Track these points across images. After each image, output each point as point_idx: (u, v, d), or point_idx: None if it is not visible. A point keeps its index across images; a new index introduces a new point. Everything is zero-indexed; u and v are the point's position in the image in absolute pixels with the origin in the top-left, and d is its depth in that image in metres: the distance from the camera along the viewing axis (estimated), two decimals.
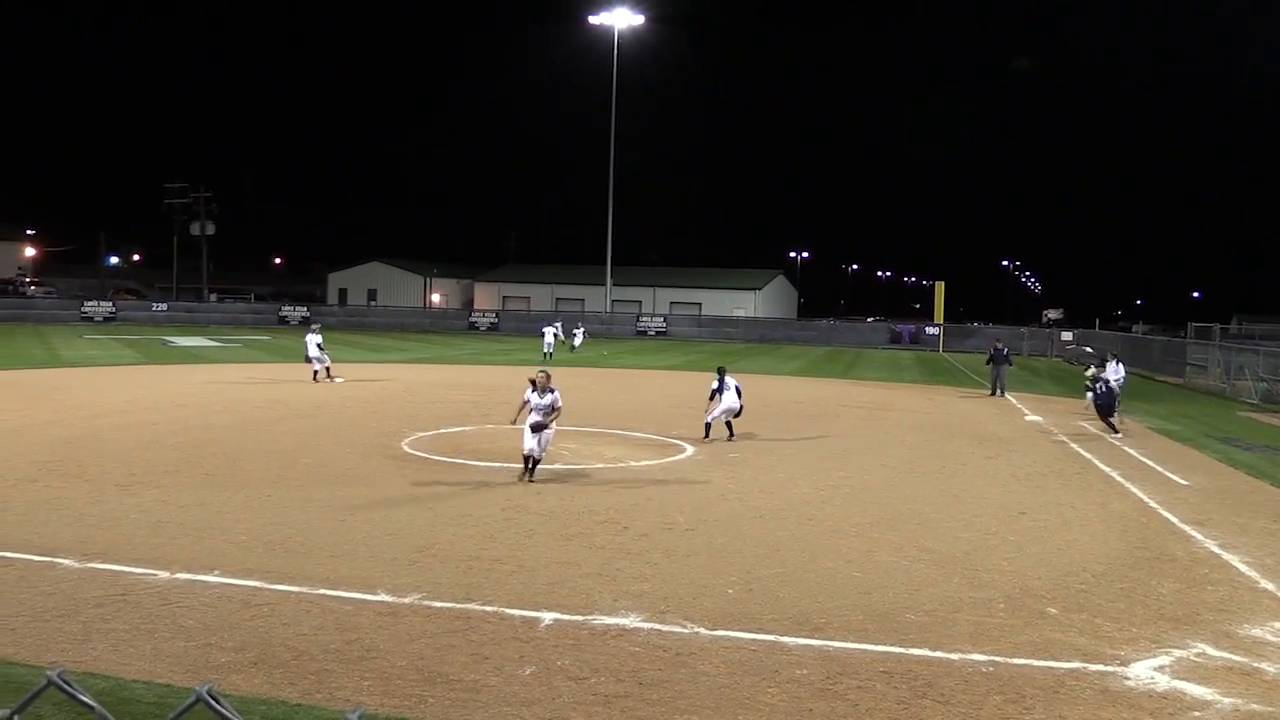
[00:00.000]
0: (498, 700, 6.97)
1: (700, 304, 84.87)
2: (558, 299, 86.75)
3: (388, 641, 8.06)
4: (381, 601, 9.07)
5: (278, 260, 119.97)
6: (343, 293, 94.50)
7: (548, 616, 8.77)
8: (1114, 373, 26.99)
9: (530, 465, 15.10)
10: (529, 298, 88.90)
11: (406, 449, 17.76)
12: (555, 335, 43.30)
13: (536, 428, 15.05)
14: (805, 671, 7.78)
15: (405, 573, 9.97)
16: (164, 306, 72.88)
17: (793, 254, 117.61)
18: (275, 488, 14.05)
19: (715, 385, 20.09)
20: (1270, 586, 10.70)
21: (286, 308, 74.73)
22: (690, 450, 18.62)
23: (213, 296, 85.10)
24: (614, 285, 73.73)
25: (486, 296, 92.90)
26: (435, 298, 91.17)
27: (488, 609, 8.96)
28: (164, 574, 9.65)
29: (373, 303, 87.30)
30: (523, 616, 8.79)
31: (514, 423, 15.67)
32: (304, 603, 8.96)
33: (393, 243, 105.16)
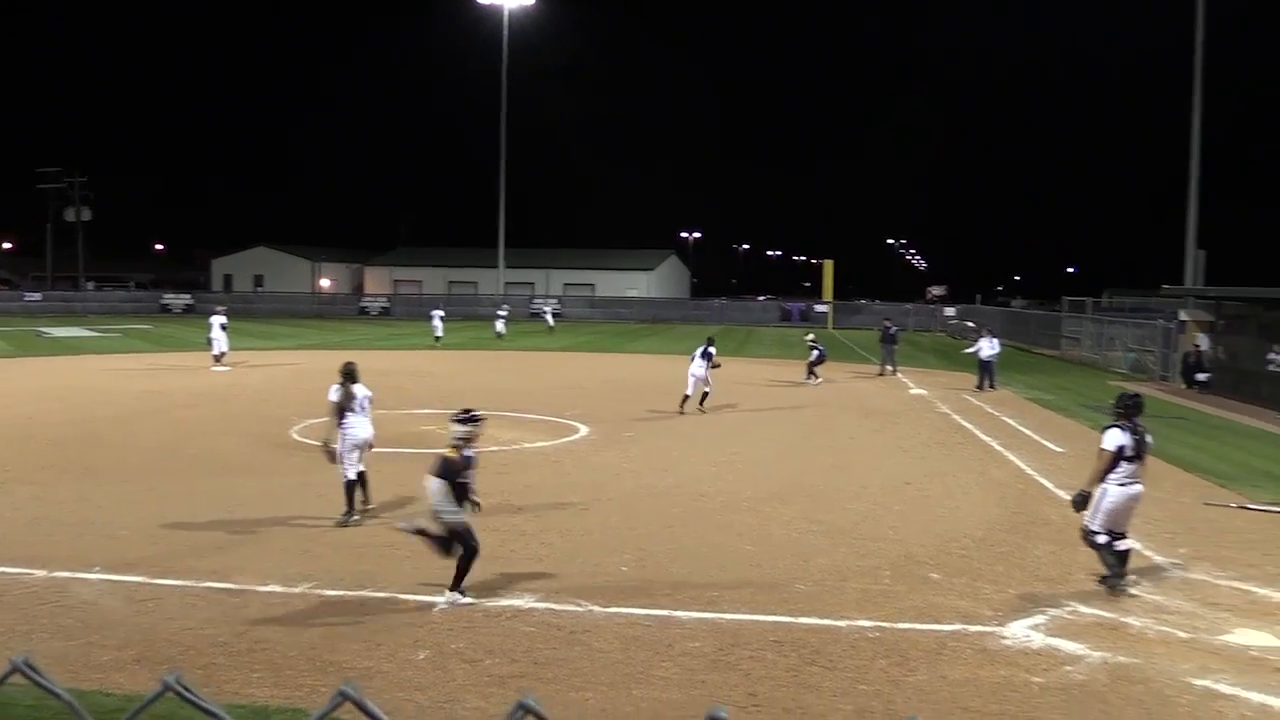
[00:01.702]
0: (391, 686, 6.94)
1: (594, 285, 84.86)
2: (450, 282, 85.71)
3: (278, 632, 7.95)
4: (272, 592, 8.93)
5: (159, 247, 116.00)
6: (228, 279, 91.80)
7: (442, 600, 8.75)
8: (989, 347, 27.93)
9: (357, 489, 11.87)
10: (421, 281, 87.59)
11: (296, 437, 17.42)
12: (442, 319, 42.63)
13: (365, 443, 11.91)
14: (698, 644, 7.93)
15: (296, 562, 9.83)
16: (38, 296, 69.85)
17: (685, 234, 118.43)
18: (159, 480, 13.67)
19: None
20: (1137, 545, 11.23)
21: (169, 295, 72.36)
22: (584, 431, 18.68)
23: (90, 285, 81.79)
24: (507, 267, 73.24)
25: (377, 281, 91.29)
26: (324, 283, 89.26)
27: (381, 595, 8.90)
28: (41, 573, 9.32)
29: (259, 289, 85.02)
30: (416, 602, 8.75)
31: (328, 449, 11.92)
32: (190, 597, 8.77)
33: (279, 227, 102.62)
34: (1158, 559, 10.74)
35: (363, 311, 71.94)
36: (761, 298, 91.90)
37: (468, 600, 8.69)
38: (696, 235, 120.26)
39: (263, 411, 20.46)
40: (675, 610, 8.66)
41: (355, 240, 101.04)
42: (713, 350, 21.76)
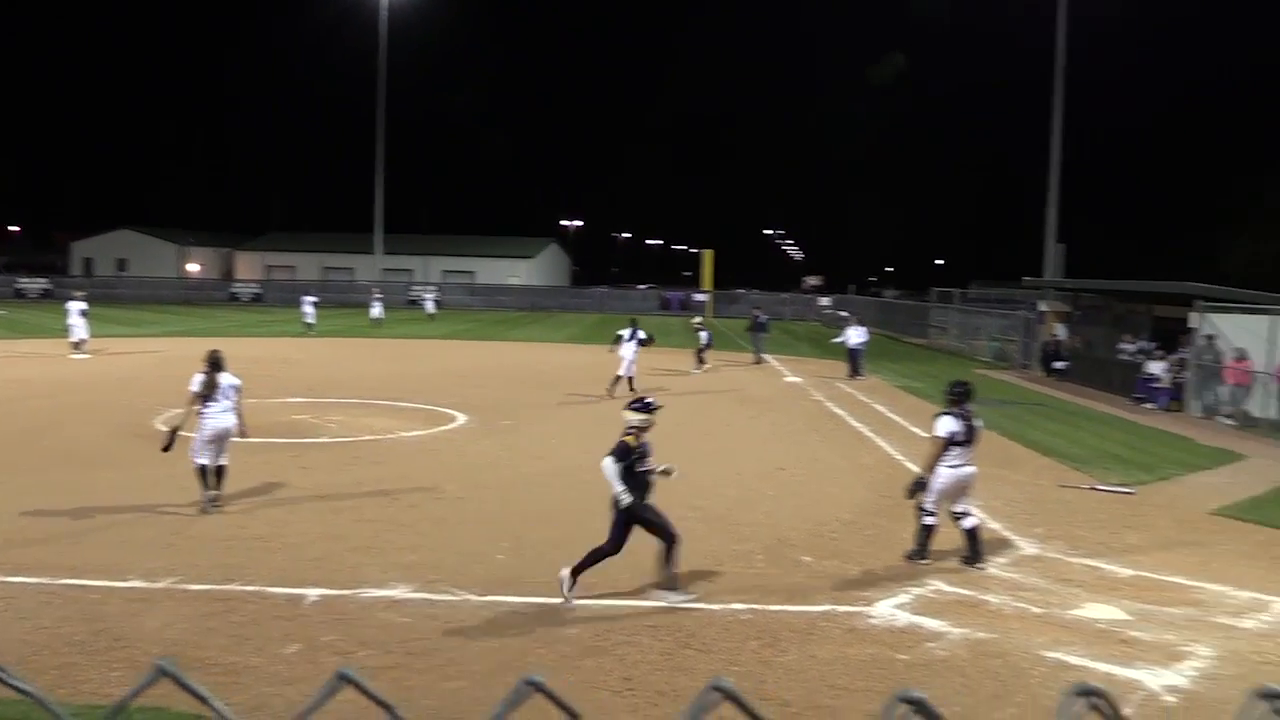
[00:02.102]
0: (259, 681, 6.80)
1: (474, 272, 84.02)
2: (325, 268, 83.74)
3: (139, 629, 7.68)
4: (132, 588, 8.62)
5: (13, 229, 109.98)
6: (88, 263, 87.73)
7: (313, 593, 8.59)
8: (857, 335, 28.60)
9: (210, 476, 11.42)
10: (294, 267, 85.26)
11: (160, 427, 16.78)
12: (315, 306, 41.54)
13: (223, 432, 11.43)
14: (575, 631, 7.98)
15: (159, 556, 9.50)
16: None
17: (566, 222, 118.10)
18: (12, 473, 13.05)
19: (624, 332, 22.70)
20: (996, 527, 11.72)
21: (24, 280, 68.88)
22: (462, 419, 18.52)
23: None
24: (385, 254, 71.94)
25: (249, 266, 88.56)
26: (192, 267, 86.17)
27: (249, 589, 8.68)
28: None
29: (122, 273, 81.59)
30: (286, 594, 8.57)
31: (172, 440, 11.49)
32: (44, 594, 8.40)
33: (144, 210, 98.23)
34: (1016, 539, 11.21)
35: (233, 298, 69.79)
36: (642, 286, 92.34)
37: (687, 598, 8.73)
38: (577, 224, 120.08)
39: (125, 401, 19.69)
40: (552, 598, 8.68)
41: (226, 224, 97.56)
42: (641, 334, 22.96)
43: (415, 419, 18.46)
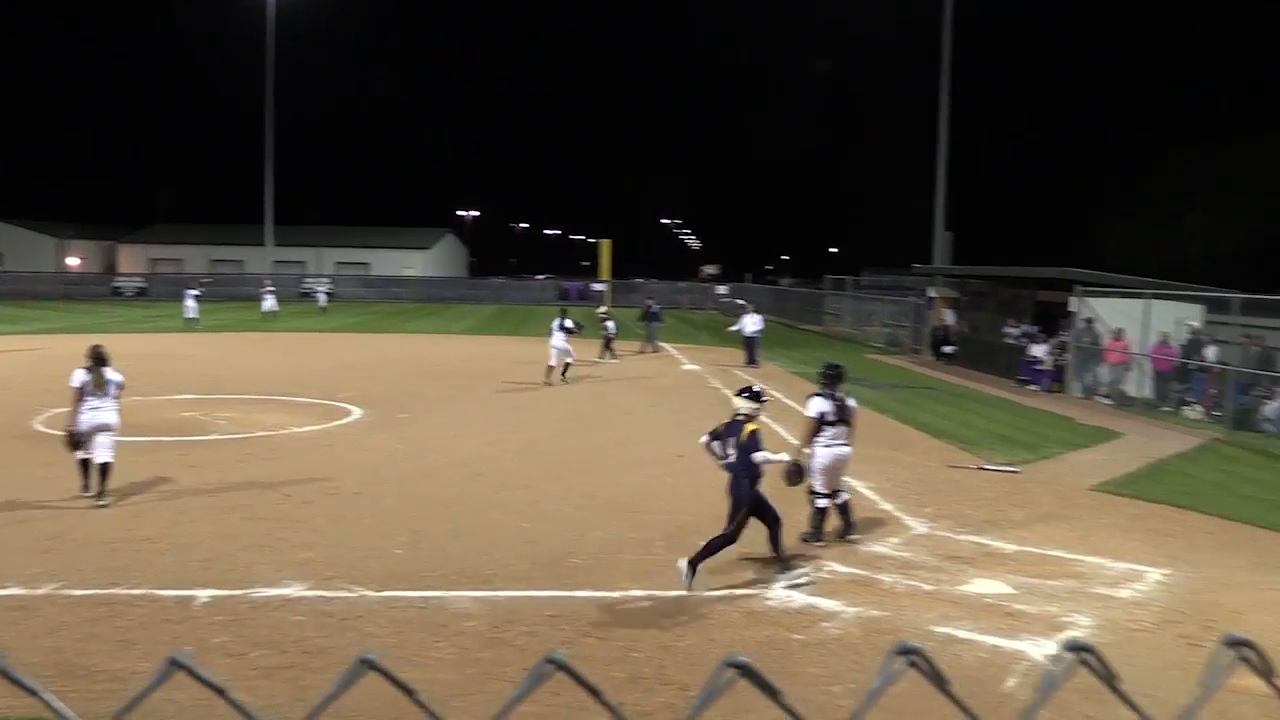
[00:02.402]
0: (144, 682, 6.60)
1: (368, 264, 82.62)
2: (214, 261, 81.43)
3: (18, 637, 7.39)
4: (10, 595, 8.28)
5: None
6: None
7: (203, 594, 8.37)
8: (752, 323, 29.02)
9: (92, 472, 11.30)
10: (181, 260, 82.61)
11: (40, 428, 16.18)
12: (197, 300, 40.20)
13: (104, 427, 11.22)
14: (474, 623, 7.93)
15: (38, 561, 9.15)
16: None
17: (462, 213, 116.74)
18: None
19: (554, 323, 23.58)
20: (888, 507, 12.03)
21: None
22: (358, 413, 18.23)
23: None
24: (276, 245, 70.27)
25: (133, 259, 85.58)
26: (72, 261, 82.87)
27: (136, 592, 8.41)
28: None
29: None
30: (175, 597, 8.34)
31: (74, 440, 11.20)
32: None
33: (19, 201, 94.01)
34: (907, 519, 11.51)
35: (116, 292, 67.37)
36: (540, 277, 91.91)
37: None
38: (474, 214, 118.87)
39: (2, 400, 18.88)
40: (450, 590, 8.63)
41: (108, 216, 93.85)
42: (569, 322, 23.75)
43: (309, 414, 18.10)
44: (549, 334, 24.06)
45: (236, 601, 8.24)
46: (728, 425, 9.49)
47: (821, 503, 10.34)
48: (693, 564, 8.75)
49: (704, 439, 9.59)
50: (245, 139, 76.76)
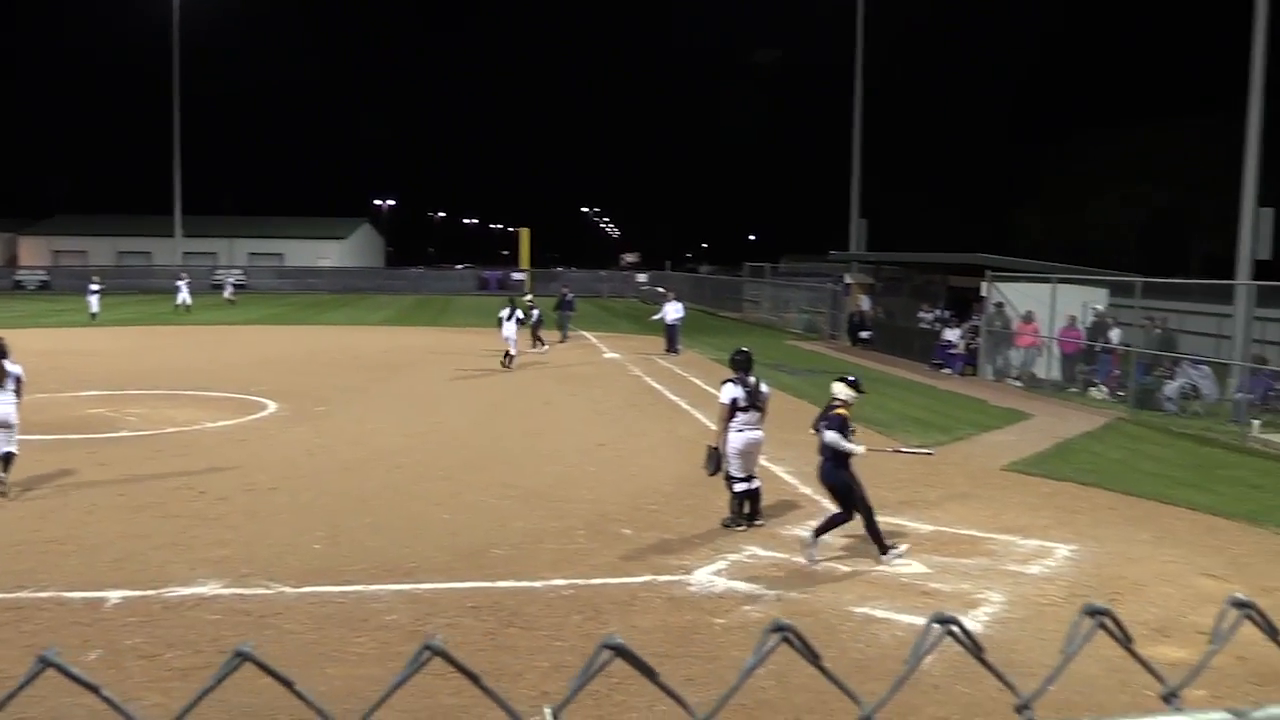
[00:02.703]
0: (57, 692, 6.37)
1: (282, 254, 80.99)
2: (120, 252, 79.05)
3: None
4: None
5: None
6: None
7: (114, 595, 8.18)
8: (673, 311, 29.11)
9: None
10: (86, 252, 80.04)
11: None
12: (99, 294, 38.99)
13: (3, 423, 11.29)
14: (395, 617, 7.87)
15: None
16: None
17: (379, 202, 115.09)
18: None
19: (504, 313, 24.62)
20: (808, 491, 12.18)
21: None
22: (273, 407, 17.90)
23: None
24: (186, 236, 68.49)
25: (34, 252, 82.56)
26: None
27: (43, 595, 8.18)
28: None
29: None
30: (85, 599, 8.12)
31: None
32: None
33: None
34: (825, 502, 11.66)
35: (18, 286, 65.01)
36: (459, 266, 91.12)
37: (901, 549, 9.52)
38: (391, 203, 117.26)
39: None
40: (370, 584, 8.55)
41: (6, 207, 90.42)
42: (519, 313, 24.86)
43: (223, 409, 17.73)
44: (498, 324, 24.78)
45: (149, 602, 8.06)
46: (824, 411, 9.97)
47: (739, 487, 10.47)
48: (817, 533, 9.47)
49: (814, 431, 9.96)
50: (152, 126, 74.52)
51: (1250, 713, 0.91)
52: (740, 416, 10.48)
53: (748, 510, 10.56)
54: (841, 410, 9.76)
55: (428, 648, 0.89)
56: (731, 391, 10.52)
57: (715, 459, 10.53)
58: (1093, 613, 0.99)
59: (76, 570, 8.78)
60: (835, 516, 9.54)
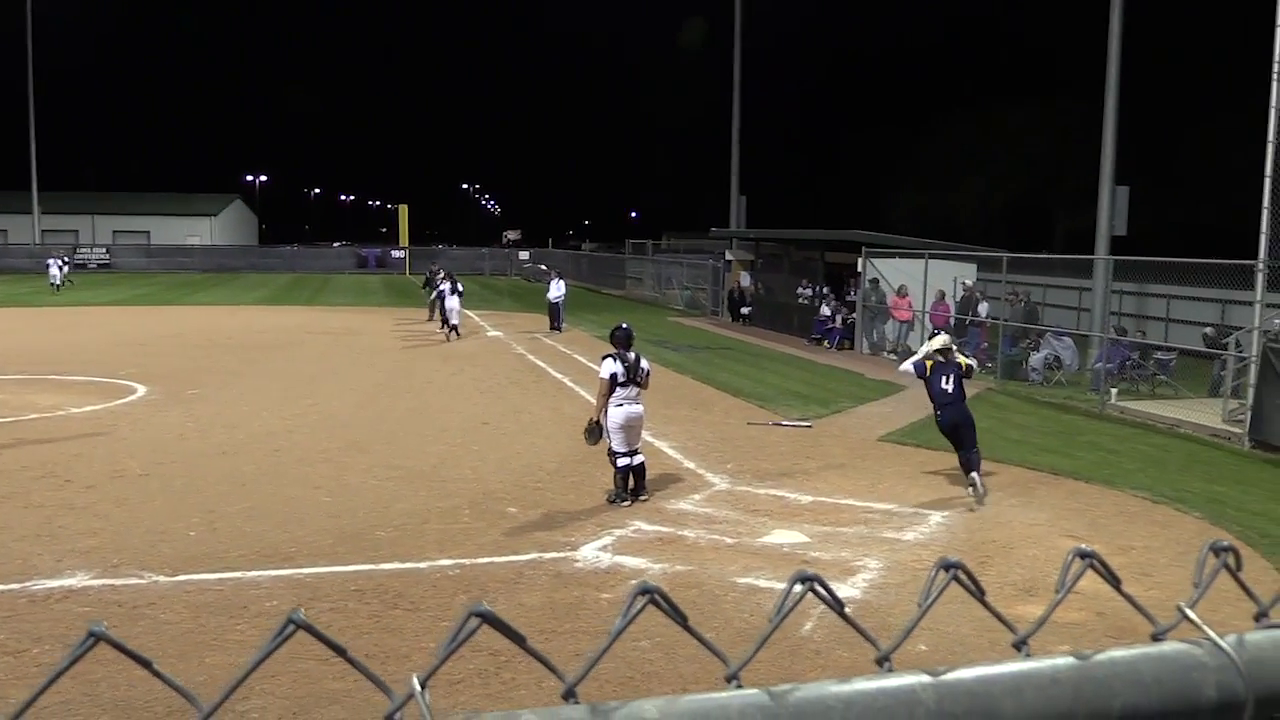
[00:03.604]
0: None
1: (149, 232, 77.99)
2: None
3: None
4: None
5: None
6: None
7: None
8: (555, 289, 28.94)
9: None
10: None
11: None
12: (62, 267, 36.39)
13: None
14: (275, 603, 7.72)
15: None
16: None
17: (250, 177, 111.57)
18: None
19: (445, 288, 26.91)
20: (691, 465, 12.38)
21: None
22: (143, 391, 17.27)
23: None
24: (44, 214, 65.39)
25: None
26: None
27: None
28: None
29: None
30: None
31: None
32: None
33: None
34: (709, 475, 11.88)
35: None
36: (336, 244, 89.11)
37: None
38: (263, 179, 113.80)
39: None
40: (250, 570, 8.36)
41: None
42: (460, 286, 27.14)
43: (88, 393, 17.02)
44: (439, 298, 27.38)
45: (13, 596, 7.74)
46: (944, 363, 11.16)
47: (621, 463, 10.55)
48: (978, 474, 10.76)
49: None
50: (6, 97, 70.79)
51: (1092, 655, 0.98)
52: (620, 391, 10.57)
53: (632, 485, 10.65)
54: (961, 358, 11.46)
55: (291, 621, 0.90)
56: (611, 367, 10.60)
57: (596, 431, 10.61)
58: (947, 567, 1.06)
59: None
60: (975, 452, 10.92)
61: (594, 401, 11.41)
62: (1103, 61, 20.83)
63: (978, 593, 1.07)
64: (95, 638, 0.90)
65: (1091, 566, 1.10)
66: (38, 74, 61.15)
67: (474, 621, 0.91)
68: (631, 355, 10.78)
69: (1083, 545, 1.17)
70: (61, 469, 11.67)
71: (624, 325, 11.22)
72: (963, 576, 1.06)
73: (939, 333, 12.44)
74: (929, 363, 11.18)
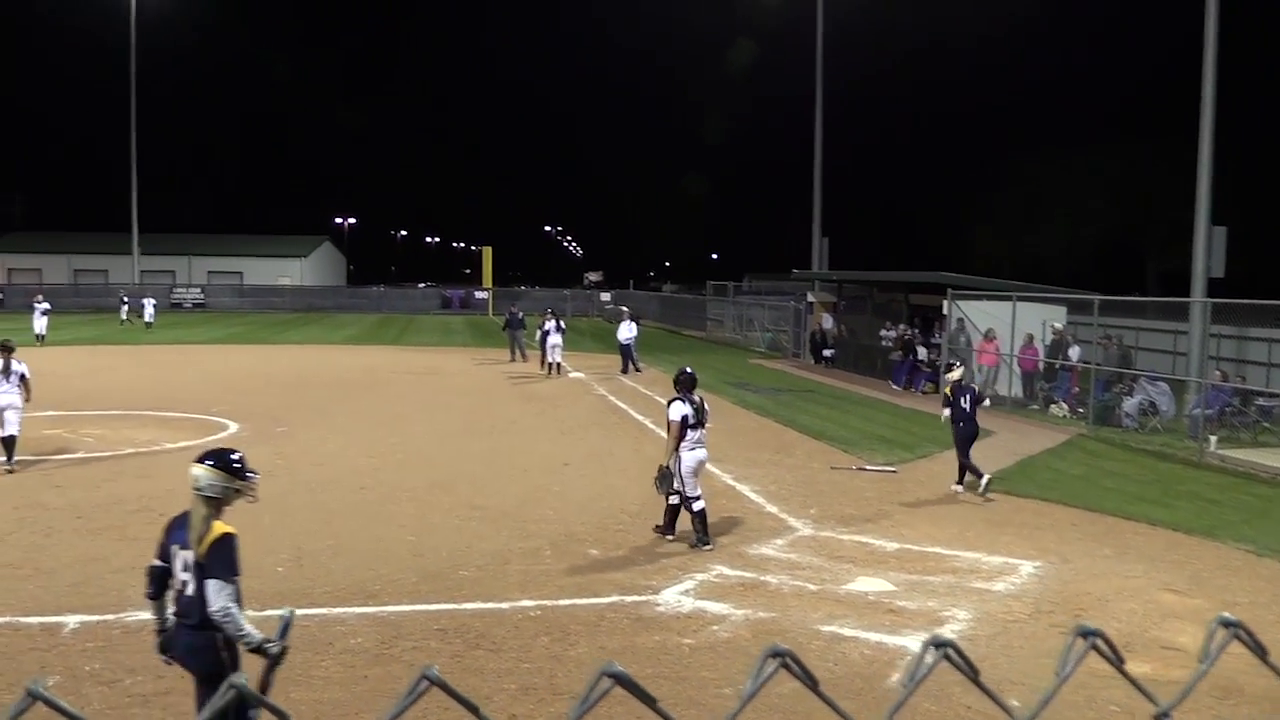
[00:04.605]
0: None
1: (242, 273, 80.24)
2: (76, 270, 78.00)
3: None
4: None
5: None
6: None
7: (72, 620, 8.02)
8: (626, 330, 28.86)
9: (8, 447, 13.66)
10: (40, 270, 78.86)
11: None
12: (46, 313, 36.45)
13: (8, 408, 13.61)
14: (360, 640, 7.78)
15: None
16: None
17: (340, 219, 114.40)
18: None
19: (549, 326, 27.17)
20: (774, 509, 12.23)
21: None
22: (234, 428, 17.68)
23: None
24: (143, 254, 67.74)
25: None
26: None
27: None
28: None
29: None
30: (42, 624, 7.96)
31: None
32: None
33: None
34: (792, 521, 11.72)
35: None
36: (422, 285, 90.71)
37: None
38: (352, 221, 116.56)
39: None
40: (335, 607, 8.45)
41: None
42: (562, 323, 27.81)
43: (182, 429, 17.49)
44: (540, 337, 27.59)
45: (108, 627, 7.92)
46: (962, 387, 13.59)
47: (698, 506, 10.47)
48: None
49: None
50: (110, 143, 73.60)
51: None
52: (690, 434, 10.53)
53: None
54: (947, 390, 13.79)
55: (425, 678, 0.88)
56: (681, 409, 10.59)
57: (669, 478, 10.54)
58: (1085, 634, 1.00)
59: (33, 595, 8.61)
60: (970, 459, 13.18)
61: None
62: (1197, 99, 20.35)
63: (1116, 660, 1.01)
64: (32, 697, 0.88)
65: (1237, 637, 1.03)
66: (139, 120, 63.63)
67: (606, 682, 0.88)
68: (697, 397, 10.77)
69: (1226, 614, 1.10)
70: (157, 503, 11.93)
71: (688, 369, 11.24)
72: (1102, 645, 1.00)
73: (955, 365, 14.81)
74: (947, 389, 13.51)
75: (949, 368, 14.58)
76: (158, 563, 5.44)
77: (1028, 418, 21.04)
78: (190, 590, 5.25)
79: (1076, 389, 21.17)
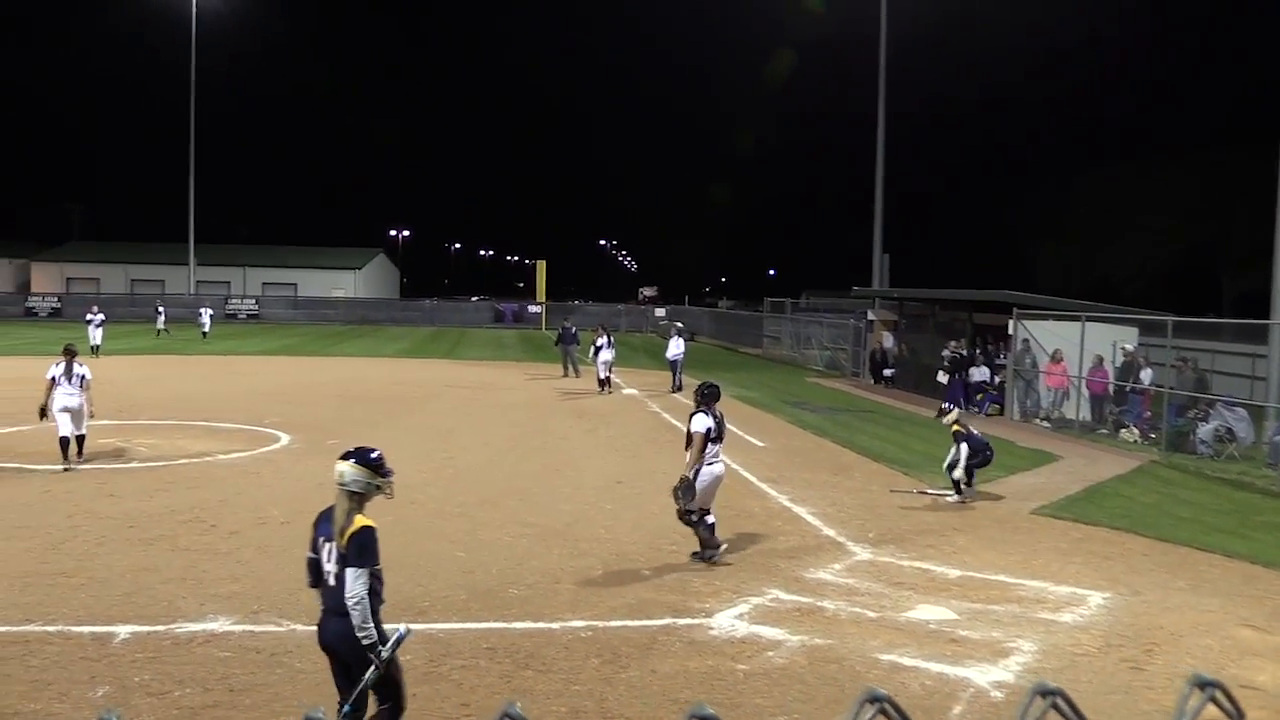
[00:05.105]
0: None
1: (296, 284, 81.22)
2: (133, 280, 79.39)
3: None
4: None
5: None
6: None
7: (123, 630, 7.97)
8: (675, 347, 28.38)
9: (70, 446, 14.46)
10: (98, 279, 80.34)
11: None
12: (101, 324, 36.73)
13: (69, 409, 14.36)
14: (408, 657, 7.59)
15: None
16: None
17: (394, 232, 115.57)
18: None
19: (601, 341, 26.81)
20: (831, 533, 11.92)
21: None
22: (286, 440, 17.72)
23: None
24: (199, 265, 68.90)
25: (47, 279, 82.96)
26: None
27: (50, 629, 7.98)
28: None
29: None
30: (93, 633, 7.92)
31: (43, 411, 14.56)
32: None
33: None
34: (850, 544, 11.40)
35: (30, 312, 65.25)
36: (475, 298, 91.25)
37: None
38: (406, 233, 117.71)
39: None
40: (385, 623, 8.28)
41: (19, 233, 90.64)
42: (612, 338, 27.53)
43: (235, 440, 17.56)
44: (593, 352, 27.32)
45: (159, 638, 7.85)
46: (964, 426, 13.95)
47: (711, 519, 10.41)
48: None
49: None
50: (168, 154, 74.96)
51: None
52: (710, 448, 10.40)
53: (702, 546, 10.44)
54: (959, 427, 13.89)
55: (507, 715, 0.70)
56: (705, 421, 10.48)
57: (690, 490, 10.33)
58: (1202, 684, 0.79)
59: (85, 604, 8.58)
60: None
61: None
62: (1276, 111, 19.71)
63: (1236, 715, 0.81)
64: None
65: None
66: (198, 133, 64.82)
67: None
68: (718, 412, 10.60)
69: None
70: (208, 514, 11.95)
71: (713, 382, 11.12)
72: (1220, 697, 0.79)
73: (951, 409, 14.49)
74: (957, 427, 13.76)
75: (941, 412, 14.60)
76: (311, 554, 5.90)
77: (1096, 442, 20.45)
78: (334, 580, 5.73)
79: (1148, 413, 20.54)
